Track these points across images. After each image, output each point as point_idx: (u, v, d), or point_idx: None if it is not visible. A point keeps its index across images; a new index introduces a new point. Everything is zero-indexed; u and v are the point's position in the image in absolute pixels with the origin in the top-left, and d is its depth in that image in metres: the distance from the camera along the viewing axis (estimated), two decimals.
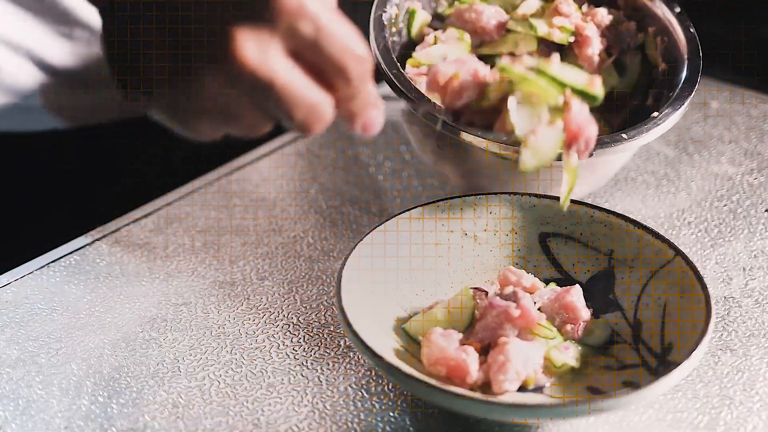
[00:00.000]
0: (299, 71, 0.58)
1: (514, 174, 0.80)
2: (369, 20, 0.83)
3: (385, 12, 0.84)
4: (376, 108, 0.63)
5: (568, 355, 0.68)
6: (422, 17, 0.89)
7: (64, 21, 0.93)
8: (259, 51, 0.56)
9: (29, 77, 0.95)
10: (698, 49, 0.83)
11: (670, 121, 0.79)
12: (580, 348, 0.69)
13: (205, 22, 0.57)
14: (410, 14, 0.88)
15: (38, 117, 0.97)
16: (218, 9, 0.57)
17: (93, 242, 0.84)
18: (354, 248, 0.72)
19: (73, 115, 0.98)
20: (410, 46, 0.87)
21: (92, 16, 0.93)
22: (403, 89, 0.78)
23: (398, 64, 0.80)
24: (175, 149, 1.04)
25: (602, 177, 0.85)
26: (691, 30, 0.84)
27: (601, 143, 0.76)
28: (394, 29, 0.86)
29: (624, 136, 0.77)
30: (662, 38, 0.86)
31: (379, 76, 0.77)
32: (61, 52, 0.94)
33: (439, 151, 0.83)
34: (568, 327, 0.70)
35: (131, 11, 0.59)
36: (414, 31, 0.88)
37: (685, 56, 0.83)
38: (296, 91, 0.58)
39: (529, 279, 0.73)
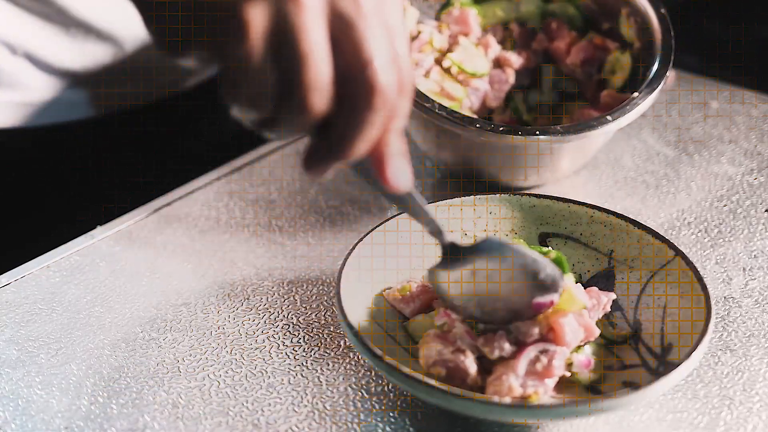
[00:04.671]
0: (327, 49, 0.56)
1: (510, 160, 0.86)
2: None
3: None
4: (400, 158, 0.60)
5: (588, 370, 0.68)
6: (412, 14, 0.91)
7: (60, 20, 0.93)
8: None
9: (29, 75, 0.95)
10: (669, 28, 0.88)
11: (648, 100, 0.84)
12: (595, 360, 0.69)
13: None
14: None
15: (41, 112, 0.97)
16: None
17: (93, 242, 0.84)
18: (354, 248, 0.72)
19: (78, 108, 0.98)
20: None
21: (88, 14, 0.93)
22: None
23: None
24: (175, 149, 1.04)
25: (584, 156, 0.90)
26: (662, 10, 0.89)
27: (588, 126, 0.82)
28: None
29: (609, 117, 0.82)
30: (635, 19, 0.89)
31: None
32: (59, 49, 0.94)
33: (438, 142, 0.87)
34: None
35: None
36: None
37: (659, 35, 0.87)
38: (319, 62, 0.55)
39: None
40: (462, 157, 0.88)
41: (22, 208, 1.00)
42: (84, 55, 0.96)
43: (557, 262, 0.74)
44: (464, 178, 0.90)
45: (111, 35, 0.95)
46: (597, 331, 0.69)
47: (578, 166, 0.91)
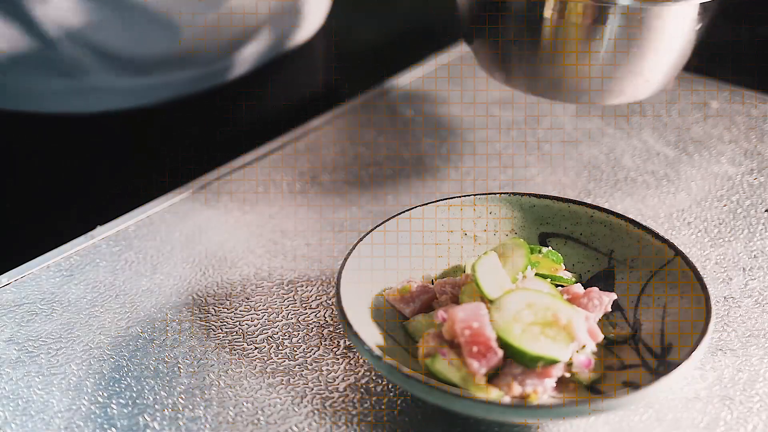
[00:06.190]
0: None
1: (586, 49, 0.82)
2: None
3: None
4: None
5: (588, 370, 0.68)
6: None
7: (118, 5, 0.92)
8: None
9: (88, 62, 0.94)
10: None
11: None
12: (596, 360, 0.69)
13: None
14: None
15: (99, 99, 0.97)
16: None
17: (93, 242, 0.84)
18: (354, 248, 0.72)
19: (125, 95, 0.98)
20: None
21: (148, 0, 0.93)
22: None
23: None
24: (176, 149, 1.04)
25: (664, 52, 0.84)
26: None
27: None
28: None
29: None
30: None
31: None
32: (119, 36, 0.94)
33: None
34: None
35: None
36: None
37: None
38: None
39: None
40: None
41: (22, 208, 1.00)
42: (143, 43, 0.95)
43: (552, 257, 0.74)
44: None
45: (169, 22, 0.94)
46: (600, 336, 0.69)
47: (658, 72, 0.84)
